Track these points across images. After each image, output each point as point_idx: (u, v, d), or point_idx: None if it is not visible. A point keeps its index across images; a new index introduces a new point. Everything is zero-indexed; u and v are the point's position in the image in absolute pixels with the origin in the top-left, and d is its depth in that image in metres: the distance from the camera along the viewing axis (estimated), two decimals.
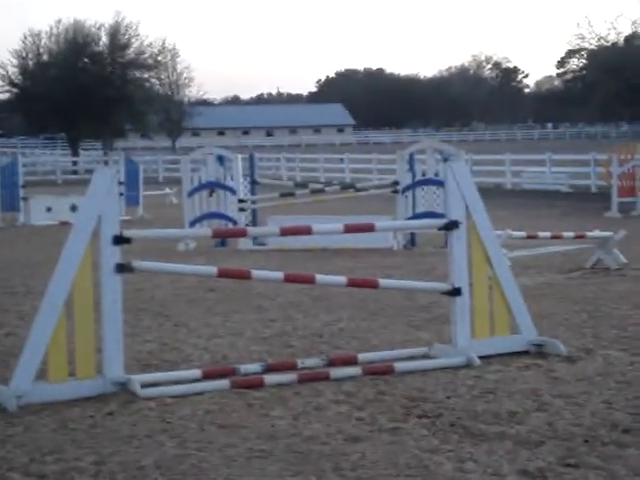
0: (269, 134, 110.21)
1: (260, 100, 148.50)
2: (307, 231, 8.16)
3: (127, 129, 59.54)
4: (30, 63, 55.56)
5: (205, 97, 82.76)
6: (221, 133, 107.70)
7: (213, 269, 7.72)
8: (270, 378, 6.78)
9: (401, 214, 16.38)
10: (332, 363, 7.20)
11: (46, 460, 5.14)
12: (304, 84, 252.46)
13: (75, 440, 5.50)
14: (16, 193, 23.00)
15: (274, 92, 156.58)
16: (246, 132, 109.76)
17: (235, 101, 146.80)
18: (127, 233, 6.77)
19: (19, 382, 6.24)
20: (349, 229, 7.89)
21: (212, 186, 17.63)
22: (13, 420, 5.91)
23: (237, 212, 17.39)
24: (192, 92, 76.31)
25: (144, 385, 6.52)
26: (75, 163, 51.74)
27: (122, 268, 6.69)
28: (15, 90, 55.14)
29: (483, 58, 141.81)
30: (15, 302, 10.65)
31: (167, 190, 31.17)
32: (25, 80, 55.14)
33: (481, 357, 7.20)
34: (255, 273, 7.66)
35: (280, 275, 7.78)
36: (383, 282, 8.23)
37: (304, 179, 39.56)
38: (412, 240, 16.51)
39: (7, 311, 10.10)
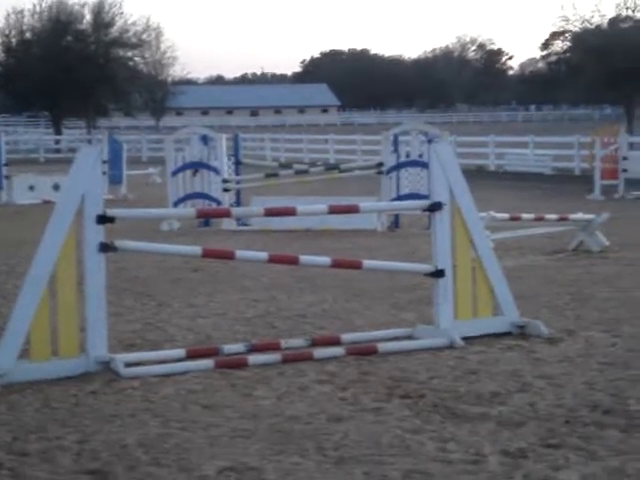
0: (253, 114, 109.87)
1: (244, 80, 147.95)
2: (291, 212, 8.15)
3: (111, 108, 59.23)
4: (13, 41, 55.15)
5: (189, 76, 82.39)
6: (205, 113, 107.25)
7: (197, 249, 7.71)
8: (254, 358, 6.80)
9: (385, 195, 16.39)
10: (316, 343, 7.23)
11: (29, 439, 5.14)
12: (289, 64, 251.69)
13: (58, 419, 5.51)
14: None
15: (258, 72, 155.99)
16: (230, 112, 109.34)
17: (219, 81, 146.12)
18: (111, 212, 6.75)
19: (1, 361, 6.23)
20: (333, 210, 7.89)
21: (196, 166, 17.58)
22: None
23: (221, 192, 17.35)
24: (176, 71, 76.00)
25: (128, 364, 6.53)
26: (58, 142, 51.45)
27: (106, 247, 6.68)
28: None
29: (468, 40, 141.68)
30: None
31: (151, 170, 31.06)
32: (8, 58, 54.76)
33: (464, 338, 7.24)
34: (239, 253, 7.67)
35: (264, 255, 7.79)
36: (367, 263, 8.25)
37: (288, 159, 39.48)
38: (396, 222, 16.54)
39: None
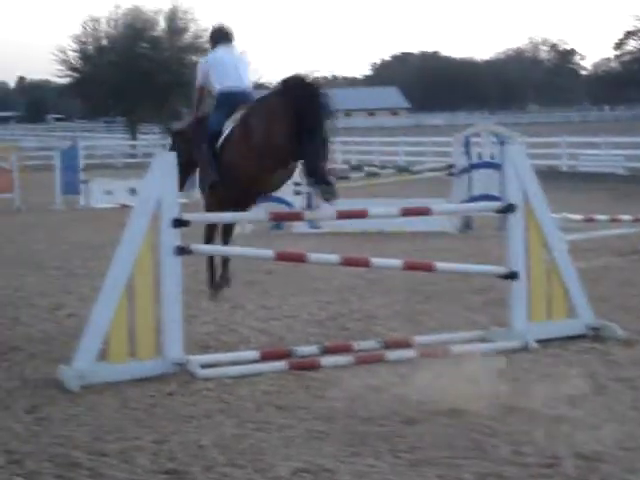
0: None
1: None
2: (363, 214, 8.20)
3: (184, 113, 59.90)
4: (90, 48, 56.08)
5: (261, 81, 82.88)
6: None
7: (270, 252, 7.78)
8: (326, 360, 6.84)
9: (456, 197, 16.30)
10: (387, 345, 7.24)
11: (108, 439, 5.25)
12: (359, 68, 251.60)
13: (136, 419, 5.62)
14: (76, 176, 23.27)
15: (329, 76, 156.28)
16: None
17: None
18: (186, 216, 6.86)
19: (81, 362, 6.37)
20: (405, 212, 7.89)
21: None
22: (76, 400, 6.04)
23: (293, 195, 17.44)
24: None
25: (203, 366, 6.62)
26: (134, 147, 52.19)
27: (181, 250, 6.79)
28: (75, 75, 55.72)
29: (539, 40, 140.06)
30: (76, 284, 10.82)
31: None
32: (85, 65, 55.68)
33: (538, 341, 7.18)
34: (311, 256, 7.71)
35: (336, 258, 7.82)
36: (439, 265, 8.22)
37: (359, 162, 39.49)
38: (468, 223, 16.44)
39: (69, 293, 10.27)
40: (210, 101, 8.33)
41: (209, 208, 8.41)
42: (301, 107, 7.12)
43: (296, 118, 7.07)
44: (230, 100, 8.01)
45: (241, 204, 8.23)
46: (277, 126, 7.18)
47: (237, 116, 7.82)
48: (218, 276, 8.86)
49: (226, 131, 7.94)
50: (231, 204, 8.07)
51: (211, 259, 8.78)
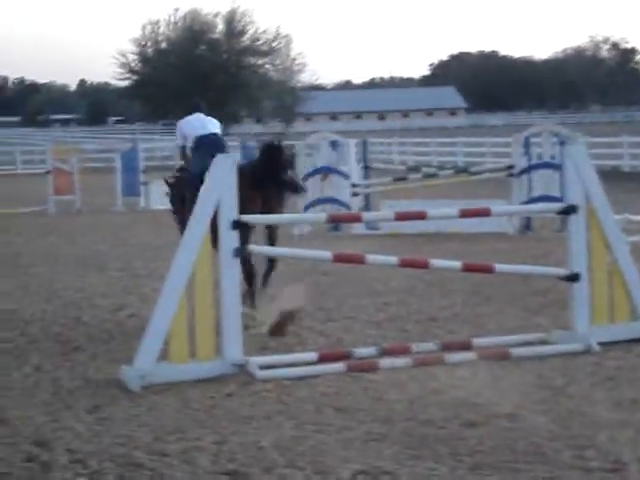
0: (381, 118, 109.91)
1: (372, 84, 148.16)
2: (422, 216, 8.16)
3: (242, 115, 60.28)
4: (149, 51, 56.70)
5: (318, 82, 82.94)
6: (334, 118, 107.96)
7: (328, 253, 7.78)
8: (385, 362, 6.82)
9: (516, 198, 16.15)
10: (446, 348, 7.19)
11: (169, 439, 5.29)
12: (417, 68, 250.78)
13: (196, 420, 5.65)
14: (137, 178, 23.53)
15: (386, 76, 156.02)
16: (358, 116, 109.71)
17: (347, 86, 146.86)
18: (245, 218, 6.89)
19: (142, 363, 6.43)
20: (465, 214, 7.85)
21: (325, 171, 17.73)
22: (137, 400, 6.10)
23: (350, 197, 17.46)
24: (305, 78, 76.59)
25: (262, 367, 6.64)
26: None
27: (240, 252, 6.82)
28: (135, 77, 56.38)
29: (600, 39, 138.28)
30: (137, 285, 10.93)
31: None
32: (144, 67, 56.33)
33: (600, 344, 7.08)
34: (370, 257, 7.69)
35: (395, 259, 7.79)
36: (499, 267, 8.14)
37: (416, 163, 39.36)
38: (528, 224, 16.27)
39: (130, 293, 10.39)
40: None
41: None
42: (268, 164, 8.61)
43: (263, 175, 8.52)
44: (204, 142, 9.50)
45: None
46: (249, 191, 7.90)
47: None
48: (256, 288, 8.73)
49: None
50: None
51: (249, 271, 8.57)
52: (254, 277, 8.63)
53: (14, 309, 9.42)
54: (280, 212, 8.67)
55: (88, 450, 5.12)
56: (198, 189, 7.24)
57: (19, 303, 9.74)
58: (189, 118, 10.08)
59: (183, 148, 9.99)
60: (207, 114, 10.21)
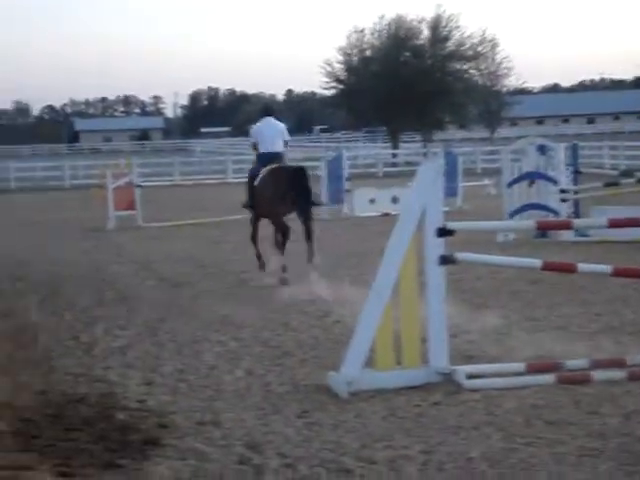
0: (590, 121, 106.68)
1: (581, 87, 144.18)
2: (637, 223, 7.82)
3: (446, 121, 59.94)
4: (354, 60, 57.26)
5: (524, 86, 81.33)
6: (540, 122, 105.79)
7: (537, 262, 7.58)
8: (598, 374, 6.58)
9: None
10: None
11: (376, 446, 5.30)
12: (629, 69, 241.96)
13: (403, 428, 5.64)
14: (341, 186, 23.83)
15: (596, 78, 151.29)
16: (566, 120, 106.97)
17: (555, 89, 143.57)
18: (451, 225, 6.82)
19: (349, 369, 6.48)
20: None
21: (533, 176, 17.35)
22: (344, 406, 6.15)
23: (558, 203, 16.99)
24: (511, 82, 75.27)
25: (468, 376, 6.55)
26: (395, 155, 52.88)
27: (445, 260, 6.76)
28: (340, 86, 57.13)
29: None
30: (342, 290, 11.00)
31: (486, 181, 31.05)
32: (349, 76, 56.93)
33: None
34: (581, 266, 7.45)
35: (608, 268, 7.50)
36: None
37: (629, 167, 37.91)
38: None
39: (335, 299, 10.48)
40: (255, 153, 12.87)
41: (251, 219, 12.97)
42: (291, 178, 12.08)
43: (287, 183, 12.04)
44: (264, 159, 12.49)
45: (266, 218, 12.57)
46: (276, 186, 12.10)
47: (266, 169, 12.31)
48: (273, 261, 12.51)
49: (259, 176, 12.36)
50: (260, 217, 12.73)
51: (255, 236, 12.76)
52: (287, 236, 12.27)
53: (227, 314, 9.73)
54: (309, 218, 12.15)
55: (298, 455, 5.21)
56: (250, 185, 12.45)
57: (232, 308, 10.04)
58: (260, 126, 12.66)
59: (254, 144, 12.77)
60: (276, 118, 12.84)
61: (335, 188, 23.86)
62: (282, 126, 12.66)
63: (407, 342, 6.64)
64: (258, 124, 12.68)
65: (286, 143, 12.74)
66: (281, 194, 11.95)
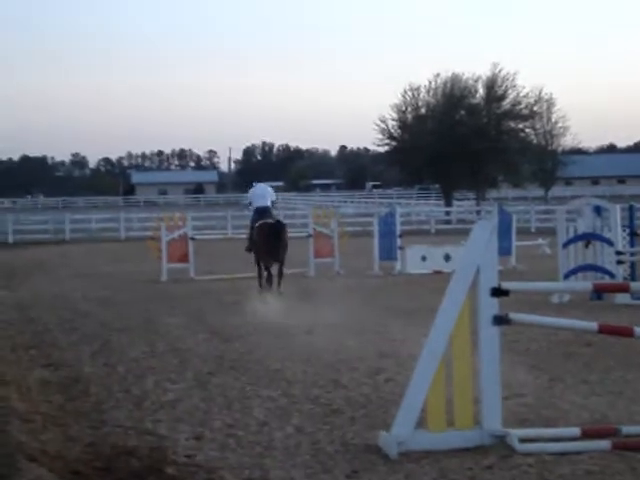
0: None
1: (637, 148, 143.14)
2: None
3: (500, 179, 59.76)
4: (409, 117, 57.42)
5: (580, 146, 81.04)
6: (595, 182, 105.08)
7: (593, 324, 7.47)
8: None
9: None
10: None
11: None
12: None
13: None
14: (394, 242, 23.79)
15: None
16: (621, 181, 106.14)
17: (611, 149, 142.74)
18: (505, 285, 6.75)
19: (400, 429, 6.40)
20: None
21: (588, 237, 17.18)
22: (394, 466, 6.07)
23: (615, 265, 16.78)
24: (567, 141, 74.98)
25: (522, 440, 6.44)
26: (448, 213, 52.78)
27: (500, 320, 6.69)
28: (393, 143, 57.27)
29: None
30: (394, 348, 10.95)
31: (540, 240, 30.83)
32: (403, 134, 57.07)
33: None
34: (638, 330, 7.31)
35: None
36: None
37: None
38: None
39: (386, 357, 10.40)
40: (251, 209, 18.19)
41: (255, 260, 17.67)
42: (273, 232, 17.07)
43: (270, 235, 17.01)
44: (259, 212, 17.66)
45: (263, 260, 17.28)
46: (263, 238, 17.06)
47: (258, 224, 17.30)
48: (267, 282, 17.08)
49: (254, 228, 17.39)
50: (259, 259, 17.45)
51: (259, 271, 17.60)
52: (269, 278, 17.01)
53: (278, 369, 9.70)
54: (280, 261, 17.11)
55: None
56: (252, 235, 17.55)
57: (282, 363, 10.02)
58: (254, 189, 18.27)
59: (249, 203, 18.28)
60: (266, 184, 19.05)
61: (387, 244, 23.83)
62: (270, 189, 18.30)
63: (460, 403, 6.55)
64: (252, 189, 18.40)
65: (273, 203, 18.29)
66: (266, 243, 16.90)
